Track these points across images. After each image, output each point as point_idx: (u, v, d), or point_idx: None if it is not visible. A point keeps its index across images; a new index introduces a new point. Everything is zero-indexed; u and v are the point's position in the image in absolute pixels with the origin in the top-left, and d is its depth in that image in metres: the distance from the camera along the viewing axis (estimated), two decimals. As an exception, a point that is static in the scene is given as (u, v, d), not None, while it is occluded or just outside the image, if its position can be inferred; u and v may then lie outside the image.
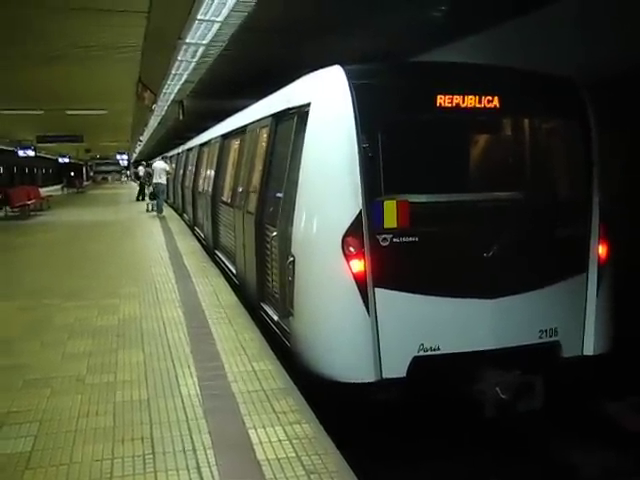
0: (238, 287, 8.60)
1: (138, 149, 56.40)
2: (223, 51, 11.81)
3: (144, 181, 28.62)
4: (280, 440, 3.98)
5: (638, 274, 6.70)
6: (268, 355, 5.70)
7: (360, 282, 4.89)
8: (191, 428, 4.17)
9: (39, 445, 3.97)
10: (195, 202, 15.79)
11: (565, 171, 5.95)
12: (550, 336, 5.30)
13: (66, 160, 56.68)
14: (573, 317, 5.45)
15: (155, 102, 17.48)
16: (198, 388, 4.88)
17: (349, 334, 4.97)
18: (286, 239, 5.81)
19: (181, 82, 15.59)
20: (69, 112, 19.52)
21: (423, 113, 5.35)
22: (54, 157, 55.77)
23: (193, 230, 16.13)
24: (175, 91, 17.21)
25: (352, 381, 4.93)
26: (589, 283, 5.51)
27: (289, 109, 6.35)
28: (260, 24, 9.80)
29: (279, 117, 6.90)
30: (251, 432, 4.09)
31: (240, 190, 8.59)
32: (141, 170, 30.64)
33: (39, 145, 33.54)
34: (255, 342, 6.07)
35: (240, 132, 9.61)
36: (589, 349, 5.44)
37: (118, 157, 58.67)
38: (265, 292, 6.99)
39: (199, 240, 14.20)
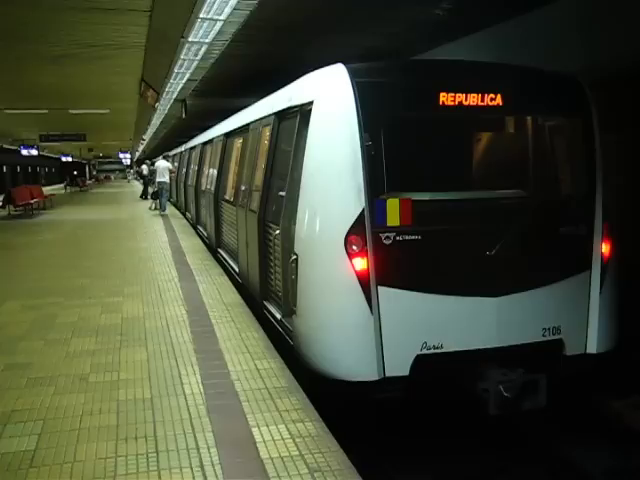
0: (241, 286, 8.61)
1: (141, 148, 56.41)
2: (225, 50, 11.80)
3: (147, 180, 28.65)
4: (283, 438, 3.99)
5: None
6: (271, 353, 5.70)
7: (363, 280, 4.89)
8: (194, 426, 4.17)
9: (43, 443, 3.99)
10: (198, 201, 15.80)
11: (568, 169, 5.94)
12: (553, 334, 5.30)
13: (69, 159, 56.80)
14: (576, 315, 5.44)
15: (158, 101, 17.47)
16: (201, 386, 4.88)
17: (352, 332, 4.97)
18: (289, 237, 5.82)
19: (184, 81, 15.58)
20: (72, 111, 19.56)
21: (426, 111, 5.34)
22: (57, 156, 55.89)
23: (196, 228, 16.14)
24: (178, 90, 17.20)
25: (355, 379, 4.93)
26: (592, 281, 5.50)
27: (292, 107, 6.35)
28: (262, 23, 9.80)
29: (282, 115, 6.90)
30: (254, 430, 4.10)
31: (243, 188, 8.59)
32: (144, 169, 30.63)
33: (42, 144, 33.59)
34: (258, 340, 6.08)
35: (243, 131, 9.61)
36: (592, 347, 5.44)
37: (121, 156, 58.73)
38: (268, 290, 6.99)
39: (202, 239, 14.21)
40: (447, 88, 5.21)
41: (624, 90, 7.33)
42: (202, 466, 3.65)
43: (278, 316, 6.29)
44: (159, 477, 3.54)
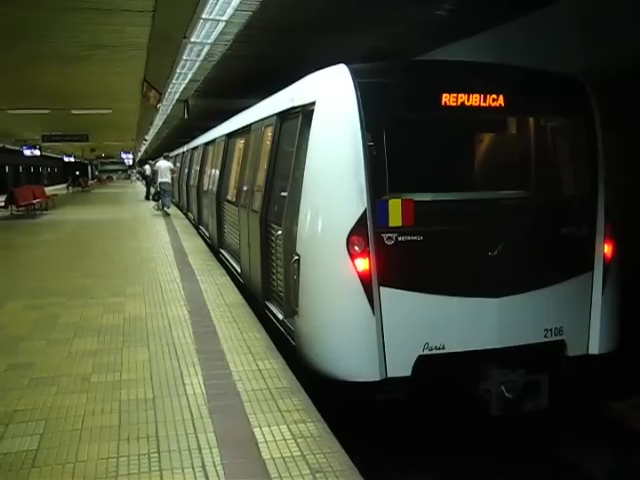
0: (243, 286, 8.61)
1: (143, 148, 56.47)
2: (228, 50, 11.82)
3: (149, 180, 28.67)
4: (285, 439, 3.99)
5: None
6: (273, 354, 5.70)
7: (365, 281, 4.89)
8: (196, 427, 4.17)
9: (45, 443, 3.99)
10: (200, 201, 15.82)
11: (570, 170, 5.93)
12: (555, 335, 5.30)
13: (71, 159, 56.88)
14: (578, 316, 5.44)
15: (160, 101, 17.47)
16: (203, 387, 4.88)
17: (354, 333, 4.97)
18: (291, 238, 5.82)
19: (186, 81, 15.61)
20: (74, 111, 19.58)
21: (428, 112, 5.34)
22: (59, 156, 55.98)
23: (198, 229, 16.15)
24: (180, 90, 17.23)
25: (357, 380, 4.93)
26: (594, 282, 5.49)
27: (294, 108, 6.35)
28: (265, 23, 9.81)
29: (284, 116, 6.90)
30: (256, 431, 4.10)
31: (245, 189, 8.60)
32: (147, 169, 30.67)
33: (44, 144, 33.64)
34: (260, 341, 6.08)
35: (245, 131, 9.62)
36: (594, 348, 5.43)
37: (123, 156, 58.74)
38: (270, 291, 7.00)
39: (204, 239, 14.21)
40: (449, 89, 5.21)
41: (625, 91, 7.33)
42: (204, 466, 3.65)
43: (280, 316, 6.29)
44: (161, 477, 3.54)
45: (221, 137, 12.51)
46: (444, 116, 5.35)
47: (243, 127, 9.81)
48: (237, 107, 12.80)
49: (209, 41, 10.86)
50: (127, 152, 55.99)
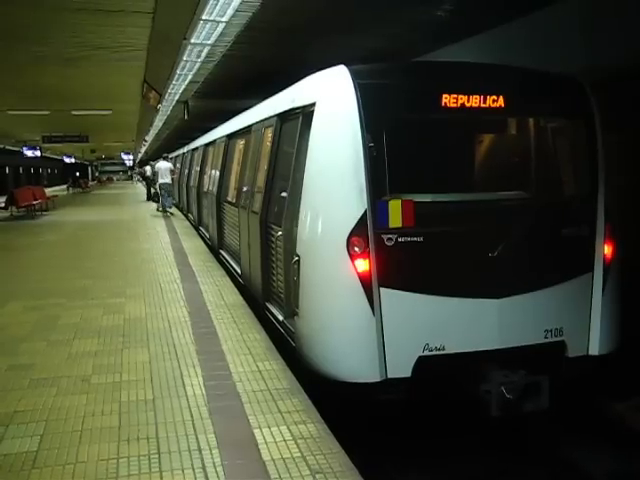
0: (243, 287, 8.62)
1: (143, 149, 56.49)
2: (228, 51, 11.82)
3: (150, 181, 28.68)
4: (285, 440, 3.99)
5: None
6: (273, 355, 5.70)
7: (365, 282, 4.89)
8: (196, 428, 4.17)
9: (45, 444, 3.99)
10: (200, 202, 15.82)
11: (570, 170, 5.93)
12: (555, 336, 5.29)
13: (72, 160, 56.90)
14: (579, 317, 5.43)
15: (160, 102, 17.49)
16: (203, 388, 4.88)
17: (354, 334, 4.97)
18: (291, 239, 5.82)
19: (186, 82, 15.61)
20: (75, 112, 19.60)
21: (428, 113, 5.34)
22: (60, 157, 56.01)
23: (198, 230, 16.16)
24: (180, 91, 17.23)
25: (357, 381, 4.93)
26: (595, 283, 5.49)
27: (294, 109, 6.36)
28: (265, 24, 9.81)
29: (284, 117, 6.90)
30: (256, 432, 4.10)
31: (245, 190, 8.60)
32: (148, 170, 30.69)
33: (44, 145, 33.67)
34: (260, 342, 6.08)
35: (245, 132, 9.62)
36: (594, 349, 5.43)
37: (123, 157, 58.80)
38: (270, 292, 7.00)
39: (204, 240, 14.22)
40: (449, 90, 5.21)
41: (625, 91, 7.33)
42: (204, 467, 3.65)
43: (280, 317, 6.29)
44: (161, 478, 3.54)
45: (221, 138, 12.51)
46: (444, 117, 5.34)
47: (243, 128, 9.81)
48: (237, 108, 12.81)
49: (209, 42, 10.86)
50: (127, 153, 56.07)
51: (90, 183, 61.15)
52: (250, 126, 9.01)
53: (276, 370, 5.28)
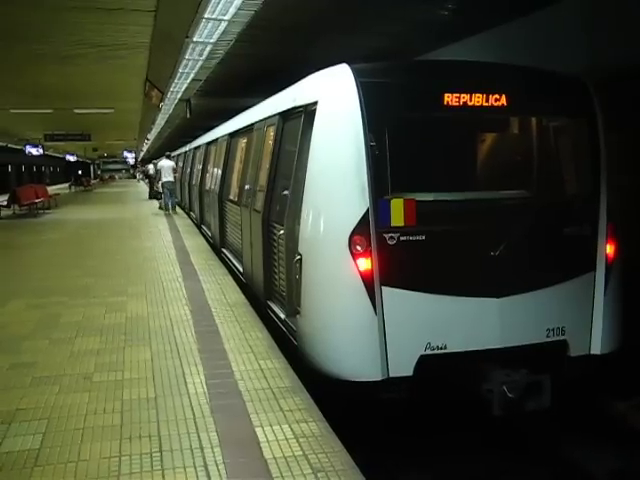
0: (245, 285, 8.62)
1: (145, 147, 56.53)
2: (230, 50, 11.81)
3: (153, 179, 28.70)
4: (287, 438, 3.99)
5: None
6: (275, 353, 5.70)
7: (367, 281, 4.89)
8: (198, 426, 4.18)
9: (47, 442, 4.00)
10: (202, 200, 15.83)
11: (573, 170, 5.93)
12: (557, 335, 5.29)
13: (74, 158, 56.94)
14: (580, 316, 5.43)
15: (162, 101, 17.49)
16: (205, 386, 4.89)
17: (356, 333, 4.98)
18: (293, 237, 5.82)
19: (188, 81, 15.60)
20: (77, 111, 19.60)
21: (430, 111, 5.34)
22: (62, 155, 56.04)
23: (200, 228, 16.16)
24: (182, 90, 17.22)
25: (359, 380, 4.93)
26: (597, 282, 5.49)
27: (296, 107, 6.35)
28: (267, 23, 9.80)
29: (286, 115, 6.90)
30: (258, 430, 4.10)
31: (247, 188, 8.60)
32: (151, 168, 30.71)
33: (47, 143, 33.69)
34: (262, 340, 6.08)
35: (247, 131, 9.62)
36: (596, 348, 5.42)
37: (127, 155, 58.83)
38: (272, 290, 7.00)
39: (206, 238, 14.23)
40: (451, 88, 5.21)
41: (625, 90, 7.32)
42: (206, 466, 3.65)
43: (282, 316, 6.29)
44: (163, 476, 3.54)
45: (223, 136, 12.51)
46: (446, 116, 5.34)
47: (245, 127, 9.81)
48: (239, 106, 12.80)
49: (211, 40, 10.84)
50: (130, 151, 56.11)
51: (92, 181, 61.15)
52: (252, 125, 9.01)
53: (278, 369, 5.29)
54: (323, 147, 5.35)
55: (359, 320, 4.93)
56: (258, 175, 7.93)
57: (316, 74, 6.02)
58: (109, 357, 5.66)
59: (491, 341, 5.07)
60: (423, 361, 4.96)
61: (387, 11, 9.39)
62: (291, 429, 4.13)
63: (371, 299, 4.88)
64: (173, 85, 16.09)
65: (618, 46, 7.52)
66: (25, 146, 34.96)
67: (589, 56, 7.81)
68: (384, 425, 5.41)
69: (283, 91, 7.45)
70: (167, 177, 20.33)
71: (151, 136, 40.69)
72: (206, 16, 9.15)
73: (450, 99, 5.20)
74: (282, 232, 6.27)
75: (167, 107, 21.44)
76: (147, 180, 33.59)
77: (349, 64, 5.35)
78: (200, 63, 13.18)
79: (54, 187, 43.91)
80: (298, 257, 5.43)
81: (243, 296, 8.04)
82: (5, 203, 21.56)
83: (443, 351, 5.00)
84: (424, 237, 5.01)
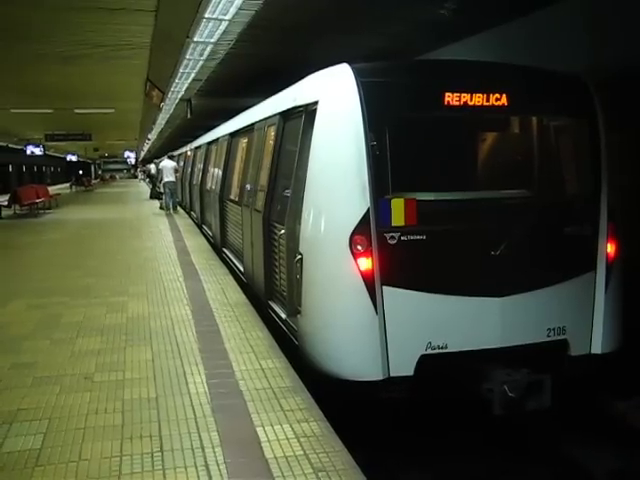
0: (246, 285, 8.62)
1: (146, 147, 56.54)
2: (231, 49, 11.81)
3: (154, 179, 28.72)
4: (288, 438, 3.99)
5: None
6: (276, 353, 5.70)
7: (368, 280, 4.89)
8: (199, 426, 4.18)
9: (48, 442, 4.00)
10: (203, 200, 15.83)
11: (573, 169, 5.93)
12: (558, 334, 5.29)
13: (75, 158, 56.97)
14: (581, 316, 5.43)
15: (163, 101, 17.49)
16: (206, 386, 4.89)
17: (357, 332, 4.98)
18: (294, 237, 5.82)
19: (189, 81, 15.61)
20: (77, 111, 19.61)
21: (431, 111, 5.34)
22: (63, 155, 56.07)
23: (201, 228, 16.17)
24: (183, 89, 17.23)
25: (360, 379, 4.94)
26: (597, 282, 5.49)
27: (297, 107, 6.36)
28: (268, 23, 9.79)
29: (287, 115, 6.90)
30: (259, 430, 4.10)
31: (248, 188, 8.60)
32: (152, 168, 30.74)
33: (47, 143, 33.72)
34: (263, 340, 6.08)
35: (247, 130, 9.63)
36: (597, 348, 5.43)
37: (129, 154, 58.86)
38: (273, 290, 7.00)
39: (207, 238, 14.23)
40: (452, 88, 5.21)
41: (626, 90, 7.31)
42: (207, 465, 3.65)
43: (283, 316, 6.29)
44: (164, 476, 3.54)
45: (224, 136, 12.52)
46: (447, 115, 5.34)
47: (246, 126, 9.81)
48: (240, 106, 12.80)
49: (212, 40, 10.84)
50: (130, 151, 56.16)
51: (93, 181, 61.18)
52: (253, 124, 9.01)
53: (279, 368, 5.29)
54: (324, 147, 5.36)
55: (360, 320, 4.93)
56: (259, 175, 7.93)
57: (316, 74, 6.02)
58: (110, 357, 5.66)
59: (492, 341, 5.07)
60: (424, 361, 4.96)
61: (387, 11, 9.39)
62: (292, 429, 4.13)
63: (372, 299, 4.88)
64: (174, 85, 16.09)
65: (619, 46, 7.51)
66: (26, 146, 35.01)
67: (589, 56, 7.80)
68: (385, 425, 5.40)
69: (284, 91, 7.45)
70: (169, 177, 20.34)
71: (152, 136, 40.66)
72: (207, 16, 9.15)
73: (451, 99, 5.20)
74: (283, 232, 6.27)
75: (168, 107, 21.44)
76: (149, 180, 33.64)
77: (349, 64, 5.35)
78: (201, 63, 13.18)
79: (55, 187, 43.93)
80: (299, 257, 5.43)
81: (244, 296, 8.04)
82: (6, 203, 21.58)
83: (444, 351, 5.00)
84: (425, 237, 5.01)
